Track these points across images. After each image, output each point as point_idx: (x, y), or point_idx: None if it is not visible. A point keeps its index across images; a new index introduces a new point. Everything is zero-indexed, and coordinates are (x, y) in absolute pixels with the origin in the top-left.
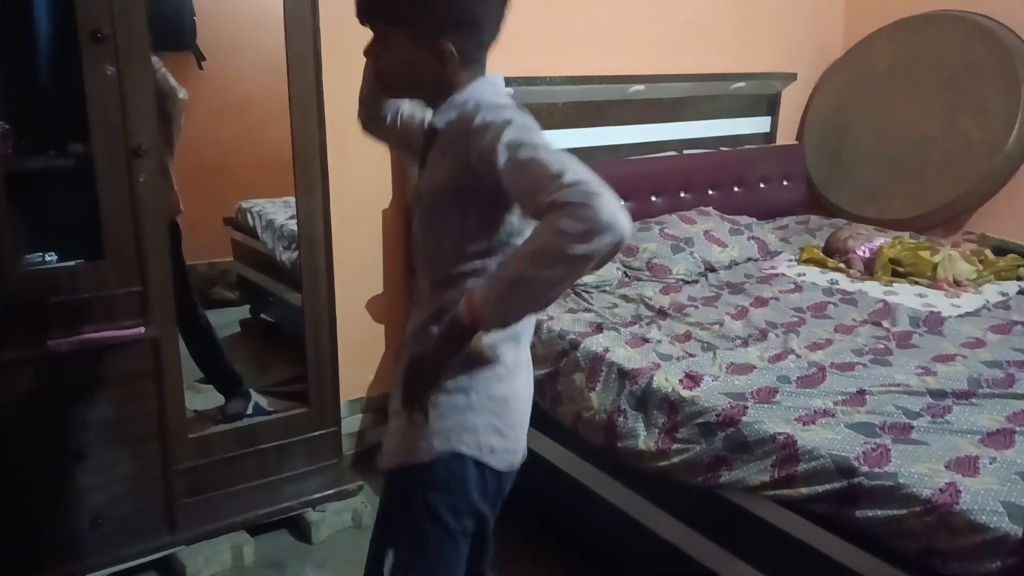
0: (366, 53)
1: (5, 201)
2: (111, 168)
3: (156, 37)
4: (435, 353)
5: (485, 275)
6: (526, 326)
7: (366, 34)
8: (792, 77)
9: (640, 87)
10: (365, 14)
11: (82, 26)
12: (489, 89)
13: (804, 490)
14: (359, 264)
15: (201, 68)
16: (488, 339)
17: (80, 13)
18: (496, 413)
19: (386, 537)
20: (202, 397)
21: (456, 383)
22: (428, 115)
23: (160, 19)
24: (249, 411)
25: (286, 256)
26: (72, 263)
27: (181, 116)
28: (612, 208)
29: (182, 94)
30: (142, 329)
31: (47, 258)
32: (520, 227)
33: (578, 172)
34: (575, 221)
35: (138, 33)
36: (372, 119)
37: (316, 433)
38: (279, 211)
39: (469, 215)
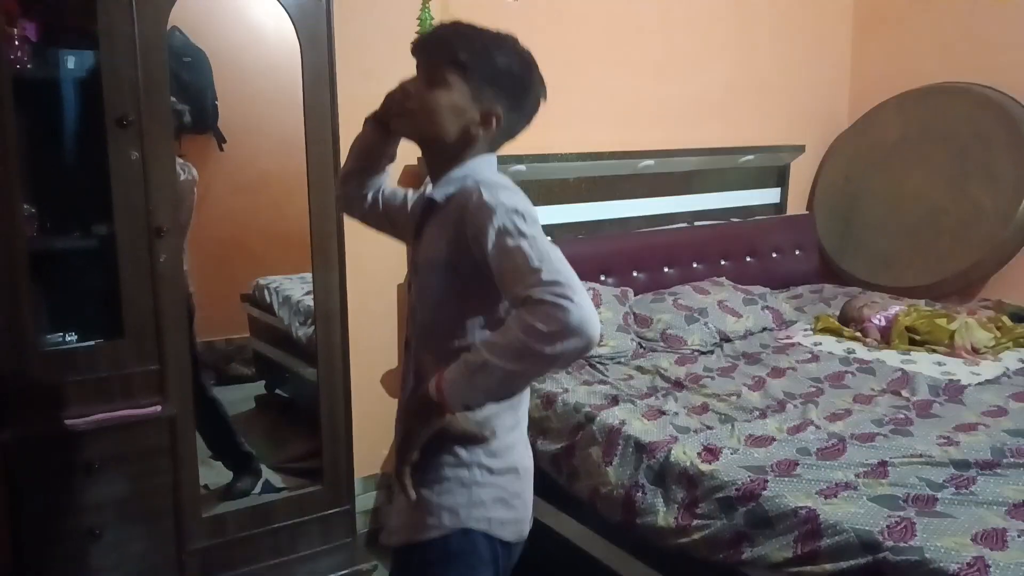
0: (405, 87)
1: (28, 281)
2: (133, 248)
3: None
4: (406, 427)
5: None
6: (523, 397)
7: None
8: (800, 149)
9: (650, 162)
10: (440, 50)
11: (109, 112)
12: (487, 167)
13: (828, 566)
14: (374, 339)
15: (222, 150)
16: (482, 413)
17: (108, 100)
18: (501, 485)
19: None
20: (214, 472)
21: (458, 459)
22: (427, 187)
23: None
24: (257, 489)
25: (302, 332)
26: (92, 342)
27: (190, 197)
28: (583, 312)
29: (184, 175)
30: (159, 407)
31: (67, 338)
32: None
33: (558, 270)
34: (545, 322)
35: (163, 119)
36: (353, 197)
37: (330, 511)
38: (296, 287)
39: (467, 289)
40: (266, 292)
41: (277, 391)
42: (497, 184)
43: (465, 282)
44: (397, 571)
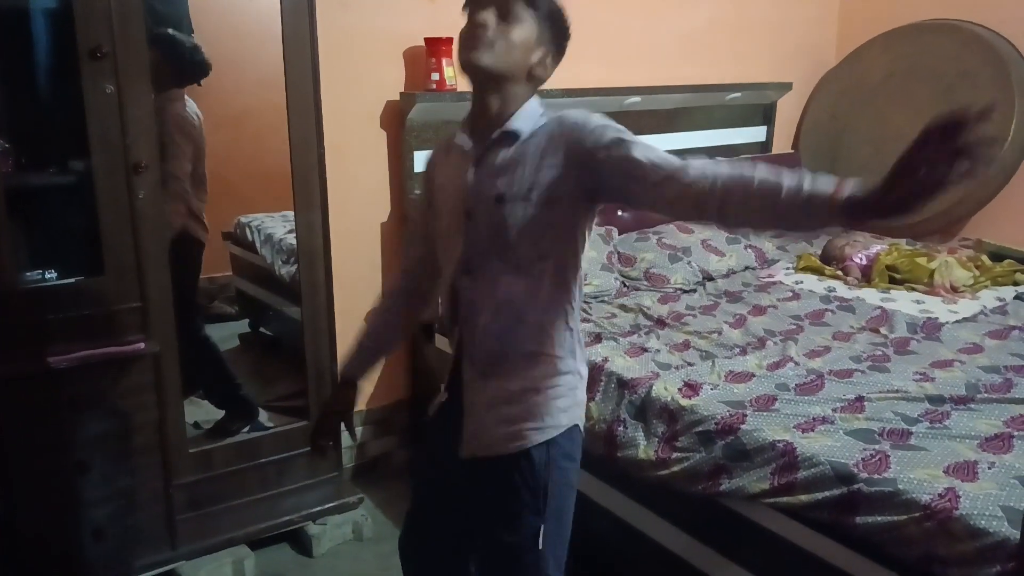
0: (480, 20)
1: (5, 218)
2: (111, 184)
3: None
4: None
5: (571, 265)
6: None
7: (363, 52)
8: (787, 87)
9: (636, 99)
10: None
11: (82, 44)
12: (539, 106)
13: (804, 497)
14: (358, 277)
15: (199, 84)
16: (576, 327)
17: (80, 31)
18: (583, 390)
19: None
20: (203, 411)
21: (567, 365)
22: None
23: None
24: (246, 428)
25: (285, 270)
26: (72, 280)
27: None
28: None
29: (198, 120)
30: (142, 344)
31: (47, 275)
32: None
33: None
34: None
35: (137, 51)
36: (415, 292)
37: None
38: (278, 225)
39: (567, 213)
40: (248, 230)
41: (261, 329)
42: (593, 114)
43: (567, 207)
44: (505, 485)
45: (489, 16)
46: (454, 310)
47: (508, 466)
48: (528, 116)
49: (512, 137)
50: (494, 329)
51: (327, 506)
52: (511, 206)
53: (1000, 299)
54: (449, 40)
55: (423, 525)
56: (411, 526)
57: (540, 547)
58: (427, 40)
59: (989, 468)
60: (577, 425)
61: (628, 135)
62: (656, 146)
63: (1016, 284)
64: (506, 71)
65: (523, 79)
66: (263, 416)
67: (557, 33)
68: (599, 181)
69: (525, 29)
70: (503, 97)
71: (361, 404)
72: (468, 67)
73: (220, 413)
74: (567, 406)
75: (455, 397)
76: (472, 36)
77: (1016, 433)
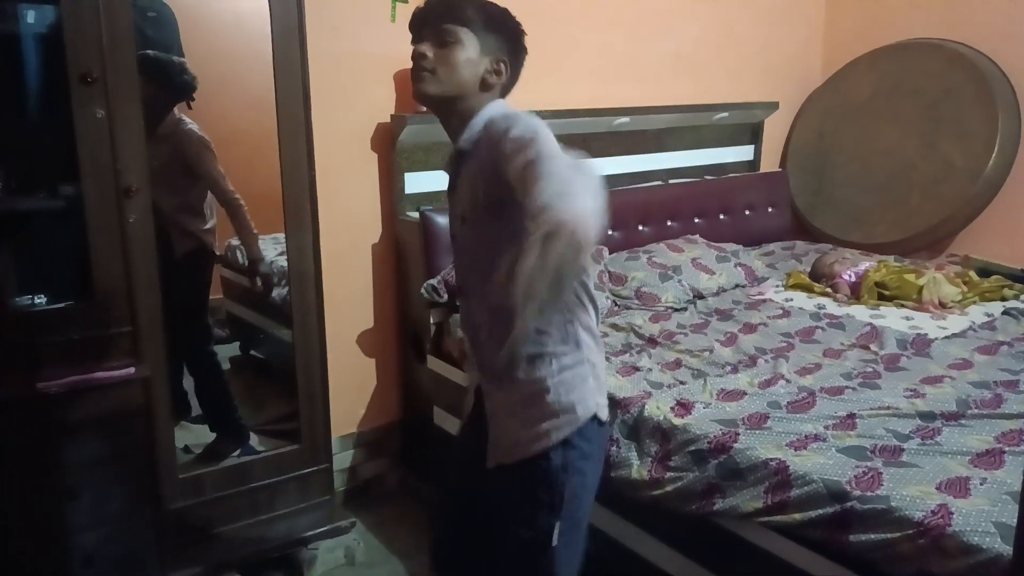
0: (420, 51)
1: None
2: (101, 209)
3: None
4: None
5: None
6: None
7: (353, 74)
8: (774, 106)
9: (625, 119)
10: (450, 15)
11: (72, 69)
12: (500, 109)
13: (797, 515)
14: (349, 299)
15: (190, 107)
16: (581, 316)
17: (70, 56)
18: (597, 376)
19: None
20: (192, 435)
21: (574, 358)
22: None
23: None
24: (236, 452)
25: (276, 292)
26: (62, 304)
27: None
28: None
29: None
30: (132, 369)
31: (37, 300)
32: None
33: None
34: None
35: (128, 75)
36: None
37: (308, 470)
38: (268, 247)
39: (514, 221)
40: (239, 253)
41: (252, 352)
42: (515, 113)
43: (511, 215)
44: (523, 485)
45: (426, 47)
46: (465, 329)
47: (528, 469)
48: (472, 130)
49: (463, 155)
50: (492, 343)
51: (319, 530)
52: (471, 223)
53: (988, 315)
54: None
55: (454, 531)
56: (441, 537)
57: (554, 544)
58: None
59: (981, 484)
60: (596, 416)
61: (524, 143)
62: (544, 160)
63: (1004, 300)
64: (454, 93)
65: (475, 92)
66: (254, 440)
67: (505, 36)
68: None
69: (464, 49)
70: (460, 114)
71: (353, 427)
72: (419, 99)
73: (210, 437)
74: (580, 398)
75: (479, 409)
76: (416, 69)
77: (1007, 449)
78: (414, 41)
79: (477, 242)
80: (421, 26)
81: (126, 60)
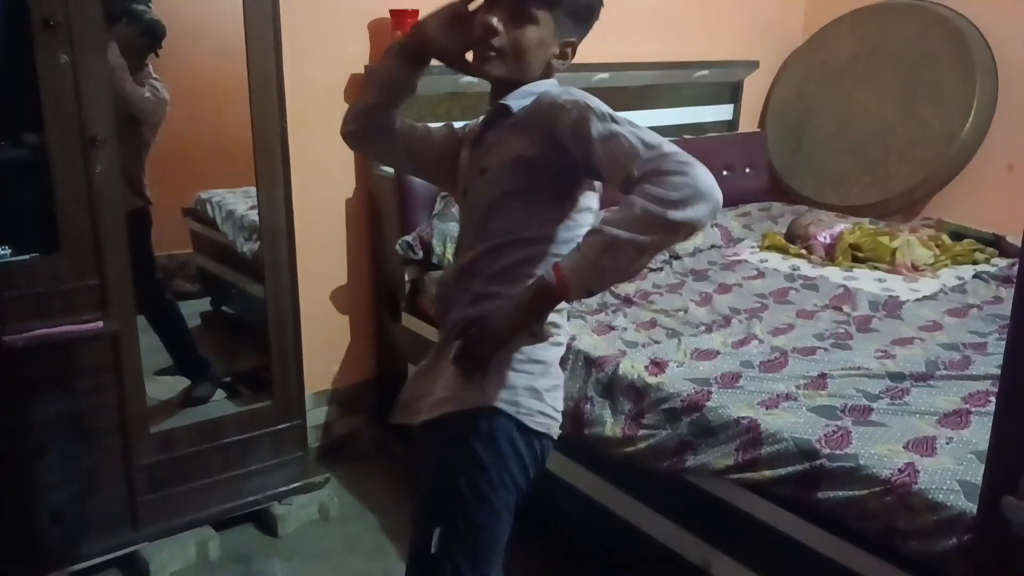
0: (488, 24)
1: None
2: (66, 159)
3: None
4: (512, 315)
5: (550, 243)
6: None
7: (326, 23)
8: (755, 65)
9: (604, 75)
10: None
11: (35, 13)
12: (553, 81)
13: (768, 473)
14: (322, 255)
15: (157, 55)
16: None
17: None
18: (533, 373)
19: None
20: (165, 388)
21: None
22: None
23: None
24: (216, 397)
25: (247, 247)
26: (27, 256)
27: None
28: (708, 178)
29: (160, 96)
30: (101, 323)
31: (1, 252)
32: (586, 203)
33: (671, 145)
34: (673, 189)
35: (93, 20)
36: (368, 133)
37: (281, 426)
38: (239, 201)
39: (540, 186)
40: (208, 206)
41: (223, 308)
42: (575, 89)
43: (539, 178)
44: (444, 440)
45: (497, 19)
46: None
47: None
48: (522, 93)
49: (505, 112)
50: (457, 299)
51: (292, 486)
52: (492, 175)
53: (959, 278)
54: (415, 12)
55: None
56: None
57: (433, 551)
58: (392, 12)
59: (947, 443)
60: (527, 425)
61: (596, 115)
62: (622, 131)
63: (975, 263)
64: (520, 77)
65: (536, 76)
66: (225, 397)
67: (584, 17)
68: (564, 159)
69: (540, 29)
70: (513, 87)
71: (326, 383)
72: (479, 76)
73: (181, 387)
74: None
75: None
76: (483, 45)
77: (974, 409)
78: (485, 7)
79: (489, 195)
80: None
81: (91, 4)
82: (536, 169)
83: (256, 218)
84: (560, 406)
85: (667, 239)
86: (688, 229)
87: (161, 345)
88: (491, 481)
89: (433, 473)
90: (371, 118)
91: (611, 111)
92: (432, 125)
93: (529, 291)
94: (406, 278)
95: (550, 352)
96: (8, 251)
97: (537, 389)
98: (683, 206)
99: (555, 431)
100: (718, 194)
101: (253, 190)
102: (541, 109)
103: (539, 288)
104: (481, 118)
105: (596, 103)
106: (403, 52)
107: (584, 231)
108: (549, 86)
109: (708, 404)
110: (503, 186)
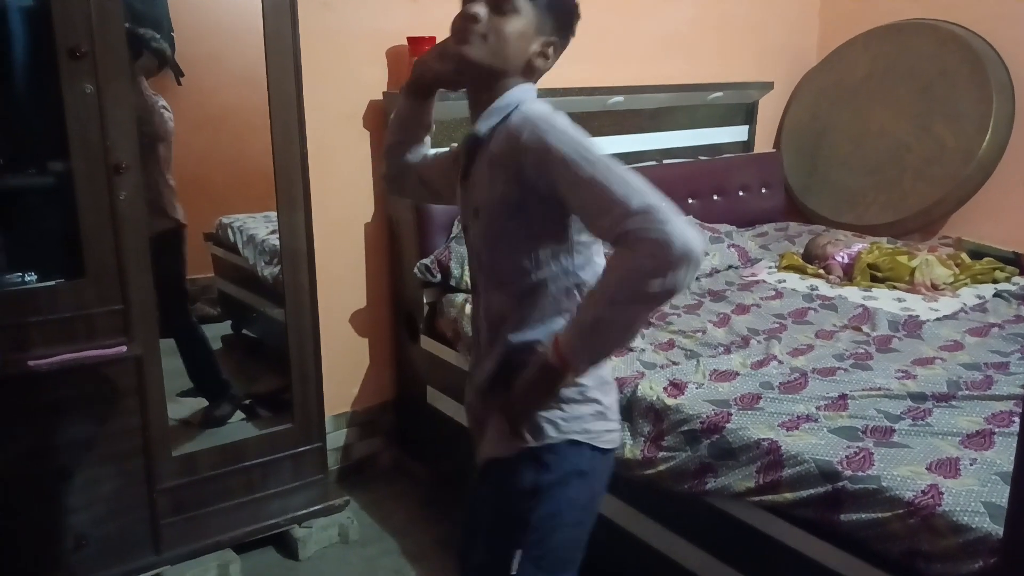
0: (471, 13)
1: None
2: (91, 186)
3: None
4: (528, 393)
5: (564, 277)
6: None
7: (345, 51)
8: (769, 86)
9: (619, 98)
10: None
11: (60, 43)
12: (528, 96)
13: (789, 495)
14: (342, 278)
15: (180, 84)
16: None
17: (58, 30)
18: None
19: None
20: (186, 408)
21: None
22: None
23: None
24: (235, 418)
25: (268, 271)
26: (52, 282)
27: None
28: (684, 236)
29: (168, 114)
30: (124, 348)
31: (27, 278)
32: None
33: (643, 193)
34: (650, 258)
35: (117, 50)
36: (397, 172)
37: (301, 449)
38: (260, 226)
39: (533, 224)
40: (230, 231)
41: (244, 331)
42: (545, 113)
43: (532, 217)
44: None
45: (481, 8)
46: (472, 325)
47: (503, 467)
48: (492, 114)
49: (475, 141)
50: (486, 350)
51: (313, 509)
52: (484, 218)
53: (980, 297)
54: (432, 39)
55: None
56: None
57: (512, 573)
58: (410, 39)
59: (971, 465)
60: (580, 441)
61: (560, 158)
62: (595, 177)
63: (995, 282)
64: (498, 66)
65: (517, 73)
66: (245, 419)
67: (563, 19)
68: (544, 194)
69: (521, 20)
70: (491, 92)
71: (346, 406)
72: (458, 63)
73: (201, 407)
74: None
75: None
76: (463, 29)
77: (997, 430)
78: (466, 0)
79: (488, 240)
80: None
81: (115, 34)
82: (524, 209)
83: (276, 242)
84: (617, 409)
85: (651, 308)
86: (667, 296)
87: (183, 367)
88: (572, 502)
89: (504, 504)
90: (393, 157)
91: (582, 150)
92: (440, 152)
93: (536, 368)
94: (424, 301)
95: (604, 367)
96: (34, 277)
97: (602, 410)
98: (663, 274)
99: (619, 439)
100: (696, 251)
101: (274, 215)
102: (509, 145)
103: (544, 366)
104: (463, 142)
105: (558, 138)
106: (408, 88)
107: (598, 246)
108: (520, 96)
109: (728, 426)
110: (497, 228)
